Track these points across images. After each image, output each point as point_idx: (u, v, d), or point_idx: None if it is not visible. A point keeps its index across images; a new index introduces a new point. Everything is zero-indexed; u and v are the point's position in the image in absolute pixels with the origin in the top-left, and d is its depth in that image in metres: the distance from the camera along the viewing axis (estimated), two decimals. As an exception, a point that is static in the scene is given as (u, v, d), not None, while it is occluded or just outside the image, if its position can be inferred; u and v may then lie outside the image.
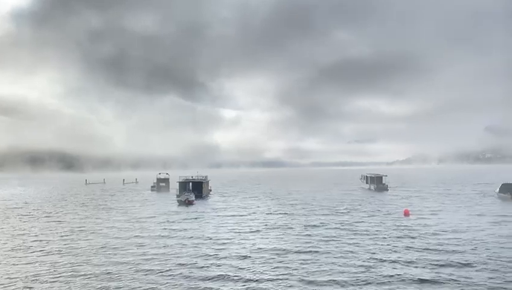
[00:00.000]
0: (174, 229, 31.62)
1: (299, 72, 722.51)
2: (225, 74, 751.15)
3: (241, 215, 39.91)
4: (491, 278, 17.68)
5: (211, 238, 27.45)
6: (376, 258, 21.23)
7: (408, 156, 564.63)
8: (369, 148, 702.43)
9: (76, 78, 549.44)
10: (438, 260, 20.60)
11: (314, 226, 32.27)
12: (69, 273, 19.39)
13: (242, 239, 27.18)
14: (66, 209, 49.78)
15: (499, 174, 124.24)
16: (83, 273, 19.46)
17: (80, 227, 33.94)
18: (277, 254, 22.46)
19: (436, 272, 18.59)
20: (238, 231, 30.58)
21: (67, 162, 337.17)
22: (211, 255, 22.54)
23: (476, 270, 18.80)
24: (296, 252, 23.02)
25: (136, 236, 28.99)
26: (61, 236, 29.75)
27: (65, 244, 26.39)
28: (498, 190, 56.92)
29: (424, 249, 23.23)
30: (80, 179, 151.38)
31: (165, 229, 32.03)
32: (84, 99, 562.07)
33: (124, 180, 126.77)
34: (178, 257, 22.36)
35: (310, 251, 23.08)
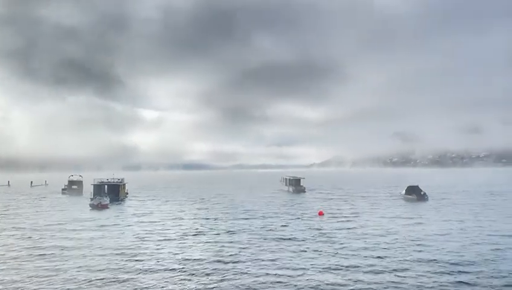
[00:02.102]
0: (81, 239, 28.97)
1: (222, 74, 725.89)
2: (146, 73, 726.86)
3: (158, 221, 38.11)
4: (403, 279, 18.46)
5: (120, 249, 25.31)
6: (290, 266, 21.26)
7: (325, 159, 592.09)
8: (290, 151, 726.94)
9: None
10: (351, 263, 21.14)
11: (233, 231, 31.68)
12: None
13: (155, 249, 25.33)
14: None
15: (405, 177, 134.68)
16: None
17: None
18: (191, 266, 21.16)
19: (350, 276, 19.07)
20: (152, 239, 28.78)
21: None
22: (116, 269, 20.55)
23: (389, 272, 19.54)
24: (211, 261, 22.04)
25: (38, 247, 26.14)
26: None
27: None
28: (404, 191, 61.37)
29: (337, 252, 23.81)
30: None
31: (71, 238, 29.32)
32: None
33: (31, 182, 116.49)
34: (81, 271, 20.29)
35: (227, 261, 22.26)
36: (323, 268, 20.42)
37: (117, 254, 23.87)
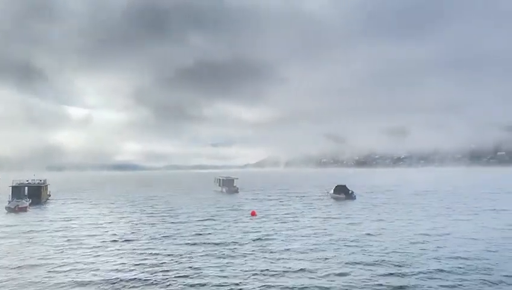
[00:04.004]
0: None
1: (157, 72, 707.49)
2: (74, 68, 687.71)
3: (81, 227, 35.44)
4: (333, 282, 18.56)
5: (34, 261, 22.73)
6: (221, 274, 20.71)
7: (260, 159, 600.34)
8: (225, 152, 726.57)
9: None
10: (284, 266, 21.00)
11: (162, 238, 29.80)
12: None
13: (74, 261, 22.82)
14: None
15: (333, 177, 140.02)
16: None
17: None
18: (112, 283, 18.89)
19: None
20: (72, 248, 26.23)
21: None
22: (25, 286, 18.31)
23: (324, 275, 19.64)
24: (135, 275, 20.07)
25: None
26: None
27: None
28: (332, 191, 63.48)
29: (269, 255, 23.57)
30: None
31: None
32: None
33: None
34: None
35: (153, 273, 20.65)
36: (254, 274, 19.95)
37: (29, 268, 21.36)
